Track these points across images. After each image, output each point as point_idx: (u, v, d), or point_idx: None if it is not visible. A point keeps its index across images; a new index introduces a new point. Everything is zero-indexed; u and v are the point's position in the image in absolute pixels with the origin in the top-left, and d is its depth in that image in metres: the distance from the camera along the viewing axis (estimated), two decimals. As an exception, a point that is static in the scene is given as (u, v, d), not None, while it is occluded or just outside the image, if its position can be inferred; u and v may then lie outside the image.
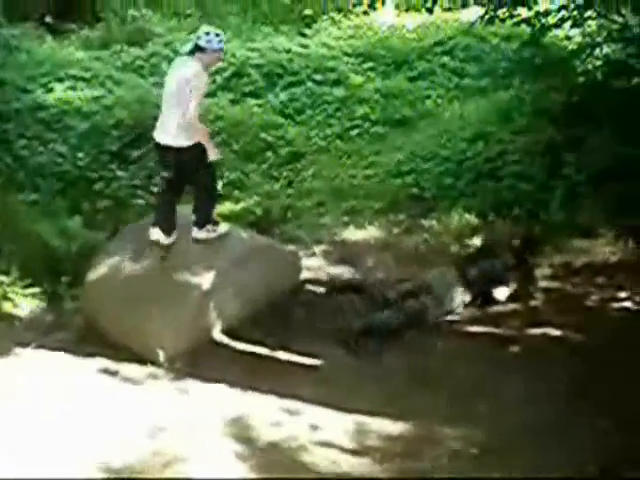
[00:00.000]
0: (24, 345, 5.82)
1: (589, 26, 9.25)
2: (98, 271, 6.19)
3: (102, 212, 8.02)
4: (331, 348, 5.88)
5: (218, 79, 10.73)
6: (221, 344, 5.92)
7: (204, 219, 6.14)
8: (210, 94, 10.46)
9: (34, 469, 4.44)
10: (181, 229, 6.17)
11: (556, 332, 5.98)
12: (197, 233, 6.13)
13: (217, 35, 5.86)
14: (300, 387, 5.40)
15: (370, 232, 7.74)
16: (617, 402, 4.99)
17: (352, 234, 7.72)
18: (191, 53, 5.84)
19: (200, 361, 5.68)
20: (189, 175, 6.01)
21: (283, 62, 11.02)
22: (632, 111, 7.83)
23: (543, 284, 6.72)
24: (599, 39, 9.03)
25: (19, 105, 9.22)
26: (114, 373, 5.55)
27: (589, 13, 8.82)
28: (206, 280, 5.79)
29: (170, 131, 5.82)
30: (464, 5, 10.81)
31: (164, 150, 5.93)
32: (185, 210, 6.20)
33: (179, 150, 5.81)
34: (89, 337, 5.99)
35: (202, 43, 5.79)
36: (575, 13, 8.73)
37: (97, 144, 9.02)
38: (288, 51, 11.30)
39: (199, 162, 5.91)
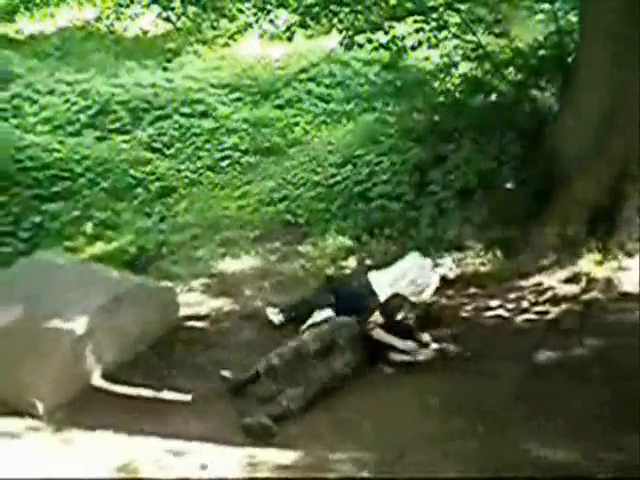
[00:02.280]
0: None
1: (445, 47, 9.57)
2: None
3: (-33, 262, 7.69)
4: (214, 383, 5.80)
5: (83, 117, 10.56)
6: (102, 389, 5.74)
7: None
8: (75, 133, 10.31)
9: None
10: (46, 276, 6.02)
11: (434, 345, 6.08)
12: None
13: None
14: (186, 426, 5.29)
15: (247, 262, 7.75)
16: (494, 410, 5.12)
17: (229, 265, 7.70)
18: None
19: (81, 409, 5.48)
20: None
21: (149, 97, 10.96)
22: (490, 126, 8.17)
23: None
24: (456, 58, 9.36)
25: None
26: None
27: (444, 34, 9.17)
28: (79, 325, 5.62)
29: None
30: (326, 32, 11.02)
31: None
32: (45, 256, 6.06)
33: None
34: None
35: None
36: (431, 35, 9.05)
37: (-41, 192, 8.70)
38: (153, 85, 11.25)
39: None
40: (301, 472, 4.81)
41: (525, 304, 6.53)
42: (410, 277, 6.75)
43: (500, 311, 6.52)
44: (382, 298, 6.30)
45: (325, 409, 5.35)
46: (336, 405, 5.40)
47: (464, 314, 6.56)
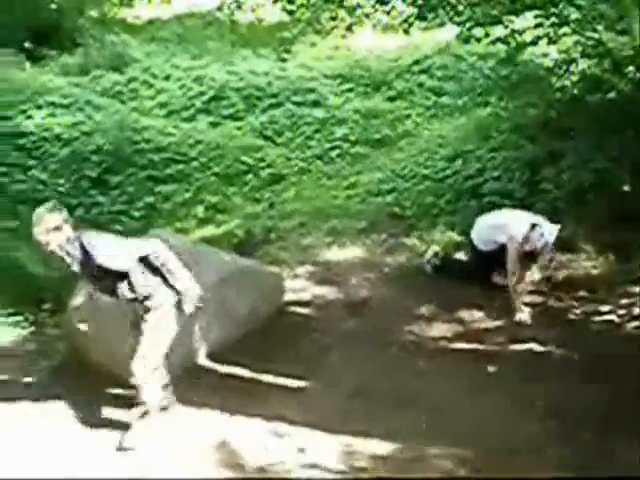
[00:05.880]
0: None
1: (564, 43, 9.32)
2: (79, 297, 6.13)
3: (83, 238, 7.98)
4: (315, 369, 5.85)
5: (197, 103, 10.79)
6: (206, 368, 5.88)
7: None
8: (189, 118, 10.54)
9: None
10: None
11: (540, 347, 5.98)
12: None
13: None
14: (286, 409, 5.35)
15: (353, 252, 7.77)
16: (599, 416, 4.99)
17: (335, 254, 7.73)
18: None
19: (185, 386, 5.61)
20: None
21: (262, 85, 11.08)
22: (608, 125, 7.92)
23: (526, 299, 6.71)
24: (575, 55, 9.12)
25: (-2, 132, 9.24)
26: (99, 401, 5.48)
27: (564, 30, 8.93)
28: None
29: None
30: (441, 25, 10.88)
31: None
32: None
33: None
34: (73, 364, 5.94)
35: None
36: (550, 30, 8.82)
37: (77, 170, 9.04)
38: (267, 73, 11.37)
39: None
40: (397, 464, 4.81)
41: (637, 311, 6.35)
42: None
43: (610, 316, 6.36)
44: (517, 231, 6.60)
45: (420, 406, 5.35)
46: (435, 403, 5.39)
47: (572, 317, 6.42)
